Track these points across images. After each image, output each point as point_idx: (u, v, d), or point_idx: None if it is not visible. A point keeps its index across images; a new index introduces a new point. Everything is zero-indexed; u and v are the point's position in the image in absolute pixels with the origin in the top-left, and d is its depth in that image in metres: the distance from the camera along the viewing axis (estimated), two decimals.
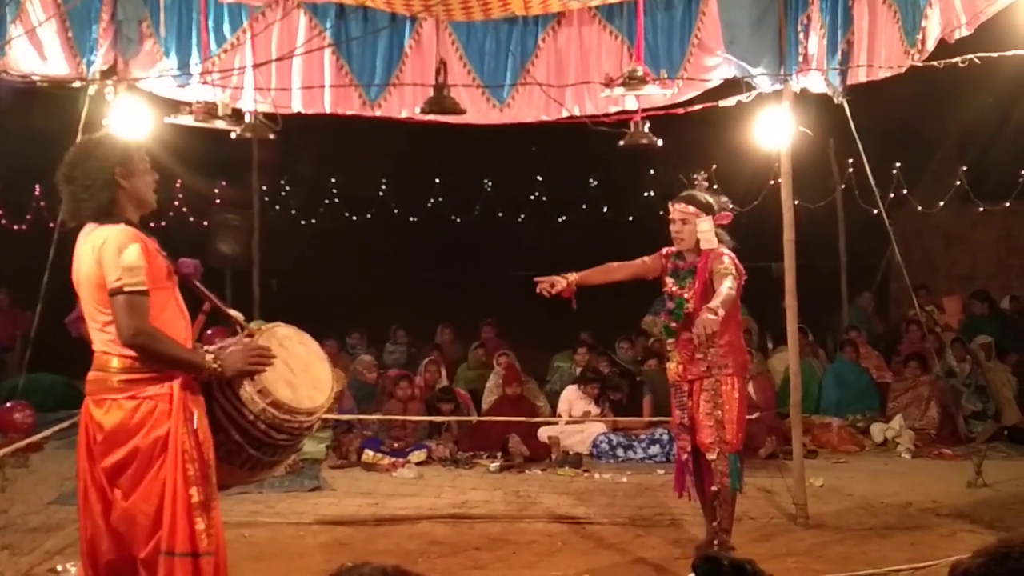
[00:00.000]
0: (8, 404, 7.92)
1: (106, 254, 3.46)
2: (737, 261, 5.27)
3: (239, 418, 3.60)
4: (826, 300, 12.03)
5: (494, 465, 8.10)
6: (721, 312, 4.84)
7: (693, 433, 5.34)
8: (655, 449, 8.33)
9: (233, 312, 3.92)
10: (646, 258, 5.62)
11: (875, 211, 7.40)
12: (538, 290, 5.53)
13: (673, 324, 5.43)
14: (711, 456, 5.17)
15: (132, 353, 3.49)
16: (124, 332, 3.42)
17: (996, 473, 7.37)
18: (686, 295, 5.35)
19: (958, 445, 8.64)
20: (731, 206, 5.54)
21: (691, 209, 5.35)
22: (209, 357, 3.55)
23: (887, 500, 6.88)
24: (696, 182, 5.63)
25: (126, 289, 3.41)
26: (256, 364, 3.57)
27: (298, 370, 3.74)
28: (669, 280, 5.47)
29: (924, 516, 6.49)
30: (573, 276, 5.53)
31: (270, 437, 3.65)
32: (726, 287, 5.01)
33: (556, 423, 8.66)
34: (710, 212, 5.35)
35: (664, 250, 5.55)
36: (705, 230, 5.30)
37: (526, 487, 7.44)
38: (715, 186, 5.72)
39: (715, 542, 5.16)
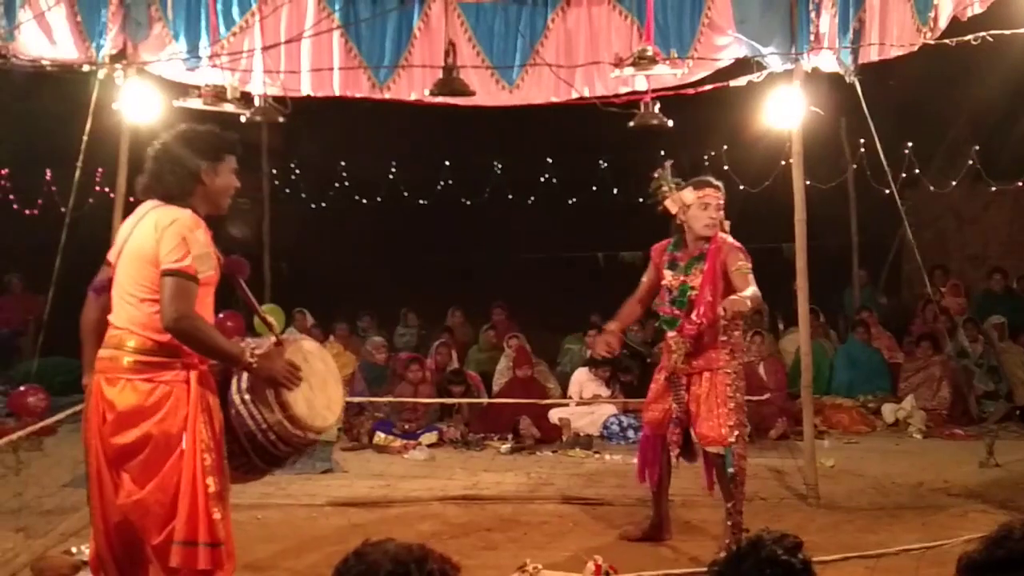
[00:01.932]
0: (22, 388, 7.96)
1: (169, 235, 3.46)
2: (748, 255, 5.19)
3: (251, 423, 3.62)
4: (837, 281, 11.99)
5: (505, 447, 8.12)
6: (749, 304, 4.84)
7: (693, 425, 5.25)
8: None
9: (269, 318, 3.95)
10: (644, 279, 5.53)
11: (887, 191, 7.37)
12: (595, 353, 5.46)
13: (677, 312, 5.26)
14: (730, 440, 5.10)
15: (154, 336, 3.49)
16: (169, 314, 3.42)
17: (1008, 453, 7.36)
18: (691, 282, 5.20)
19: (970, 425, 8.64)
20: None
21: (720, 193, 5.27)
22: (247, 353, 3.56)
23: (898, 480, 6.88)
24: (661, 171, 5.50)
25: (199, 276, 3.44)
26: (287, 380, 3.60)
27: (316, 387, 3.78)
28: (668, 273, 5.31)
29: (935, 496, 6.49)
30: (614, 326, 5.48)
31: (276, 448, 3.69)
32: (754, 289, 4.96)
33: (567, 405, 8.67)
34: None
35: (653, 249, 5.48)
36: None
37: (537, 469, 7.46)
38: (726, 167, 5.67)
39: (730, 523, 5.17)
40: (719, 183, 5.37)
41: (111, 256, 3.69)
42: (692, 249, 5.27)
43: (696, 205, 5.23)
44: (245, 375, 3.63)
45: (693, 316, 5.17)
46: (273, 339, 3.75)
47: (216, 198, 3.70)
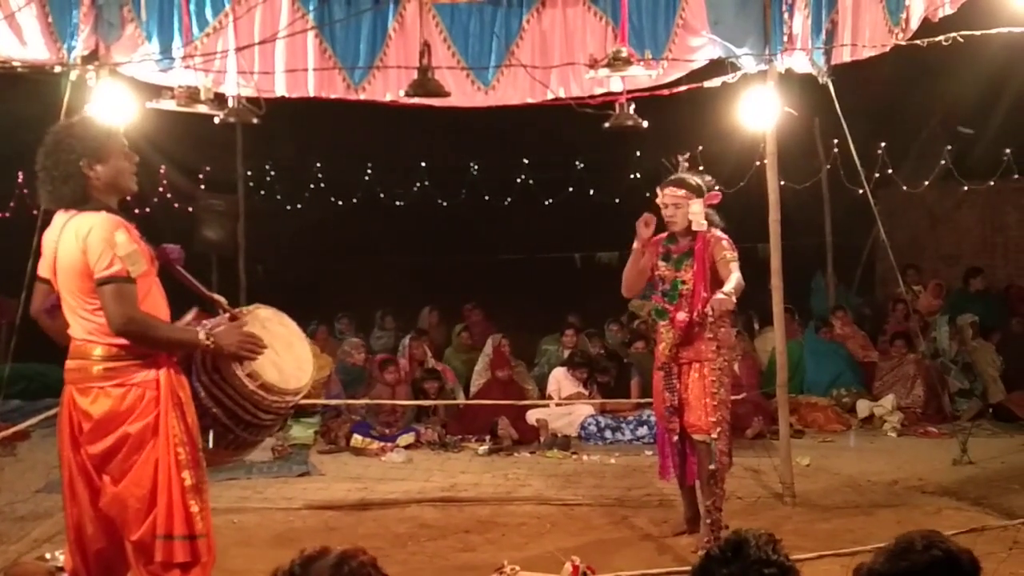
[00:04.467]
0: None
1: (93, 244, 3.44)
2: (734, 246, 5.37)
3: (227, 401, 3.63)
4: (812, 281, 12.06)
5: (483, 448, 8.11)
6: (734, 298, 5.01)
7: (682, 415, 5.38)
8: (643, 430, 8.36)
9: (216, 296, 3.93)
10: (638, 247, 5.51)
11: (860, 191, 7.42)
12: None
13: (666, 305, 5.46)
14: (712, 435, 5.17)
15: (117, 341, 3.49)
16: (115, 320, 3.42)
17: (981, 450, 7.44)
18: (683, 277, 5.40)
19: (944, 423, 8.70)
20: (716, 186, 5.58)
21: (681, 192, 5.42)
22: (202, 335, 3.57)
23: (873, 478, 6.93)
24: (679, 164, 5.67)
25: (132, 275, 3.43)
26: (249, 351, 3.61)
27: (282, 350, 3.79)
28: (661, 264, 5.51)
29: (910, 494, 6.54)
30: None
31: (257, 418, 3.70)
32: (737, 277, 5.17)
33: (544, 406, 8.68)
34: (700, 194, 5.41)
35: (655, 238, 5.59)
36: (696, 212, 5.37)
37: (515, 470, 7.46)
38: (701, 167, 5.71)
39: (709, 521, 5.19)
40: (684, 180, 5.48)
41: (43, 271, 3.66)
42: (681, 244, 5.46)
43: (662, 204, 5.47)
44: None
45: (681, 315, 5.33)
46: (227, 315, 3.76)
47: (114, 185, 3.63)
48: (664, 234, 5.54)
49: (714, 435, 5.16)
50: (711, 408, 5.19)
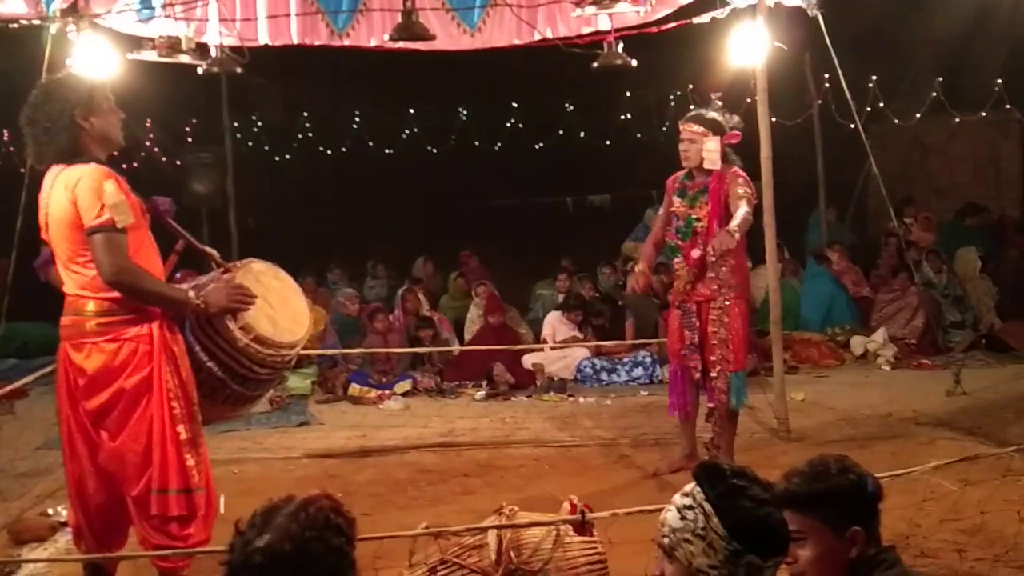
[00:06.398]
0: None
1: (82, 193, 3.41)
2: (751, 183, 5.34)
3: (222, 355, 3.62)
4: (804, 217, 12.05)
5: (480, 394, 8.15)
6: (738, 235, 4.99)
7: (704, 352, 5.39)
8: (638, 371, 8.41)
9: (208, 249, 3.89)
10: (660, 211, 5.75)
11: (852, 126, 7.38)
12: (633, 288, 5.84)
13: (679, 242, 5.46)
14: (712, 373, 5.22)
15: (110, 295, 3.47)
16: (105, 270, 3.39)
17: (975, 381, 7.48)
18: (697, 214, 5.39)
19: (937, 355, 8.76)
20: (741, 125, 5.53)
21: (698, 129, 5.38)
22: (191, 294, 3.54)
23: (868, 412, 6.98)
24: (711, 99, 5.63)
25: (118, 225, 3.39)
26: (239, 303, 3.58)
27: (277, 304, 3.76)
28: (676, 200, 5.51)
29: (904, 426, 6.60)
30: (642, 266, 5.67)
31: (253, 372, 3.69)
32: (744, 212, 5.12)
33: (540, 350, 8.70)
34: (718, 132, 5.38)
35: (668, 181, 5.62)
36: (711, 150, 5.35)
37: (512, 414, 7.51)
38: (692, 105, 5.66)
39: (706, 458, 5.24)
40: (703, 116, 5.46)
41: (43, 232, 3.64)
42: (697, 181, 5.45)
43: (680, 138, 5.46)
44: None
45: (695, 252, 5.33)
46: (222, 269, 3.74)
47: (105, 137, 3.61)
48: (681, 172, 5.53)
49: (713, 373, 5.19)
50: (710, 347, 5.23)
